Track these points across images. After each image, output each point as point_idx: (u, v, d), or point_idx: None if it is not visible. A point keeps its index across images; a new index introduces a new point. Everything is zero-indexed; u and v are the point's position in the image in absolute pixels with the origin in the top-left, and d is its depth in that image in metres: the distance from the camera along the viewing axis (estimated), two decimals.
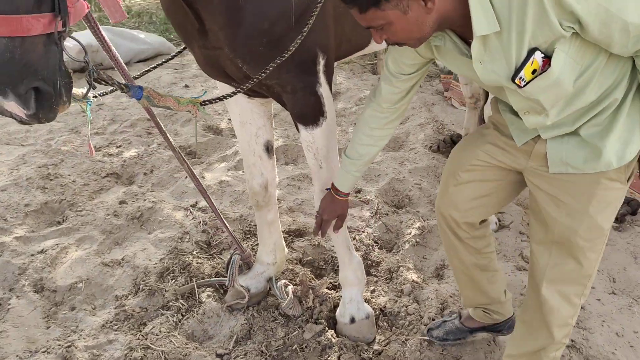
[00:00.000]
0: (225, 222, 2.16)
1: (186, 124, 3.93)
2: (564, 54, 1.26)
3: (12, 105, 1.17)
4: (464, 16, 1.25)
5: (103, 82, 1.48)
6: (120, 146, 3.61)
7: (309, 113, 1.75)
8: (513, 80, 1.30)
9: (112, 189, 3.12)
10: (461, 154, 1.73)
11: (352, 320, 2.06)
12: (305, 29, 1.55)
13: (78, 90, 1.46)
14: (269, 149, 2.09)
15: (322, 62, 1.70)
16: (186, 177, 3.15)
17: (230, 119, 3.97)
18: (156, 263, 2.47)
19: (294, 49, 1.55)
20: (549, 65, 1.25)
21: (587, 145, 1.41)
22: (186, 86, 4.77)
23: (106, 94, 1.70)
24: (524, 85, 1.30)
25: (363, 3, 1.25)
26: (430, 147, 3.58)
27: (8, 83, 1.14)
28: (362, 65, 5.53)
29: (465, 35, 1.35)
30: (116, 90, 1.55)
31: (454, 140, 3.52)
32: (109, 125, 3.94)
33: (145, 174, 3.29)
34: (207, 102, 1.70)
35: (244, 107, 1.99)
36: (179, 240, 2.63)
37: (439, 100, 4.46)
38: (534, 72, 1.29)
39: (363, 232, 2.71)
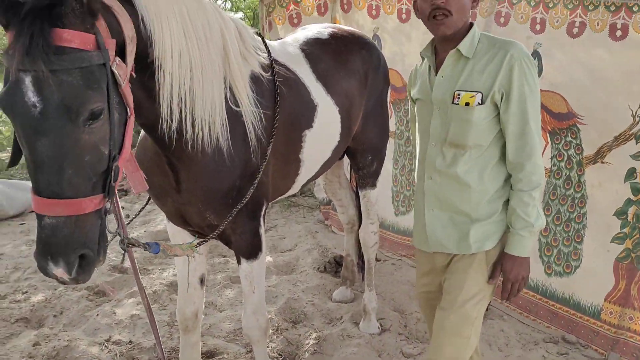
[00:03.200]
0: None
1: None
2: (487, 110, 1.78)
3: (59, 271, 1.37)
4: (458, 37, 1.80)
5: (132, 246, 1.77)
6: (26, 292, 3.74)
7: (251, 249, 2.21)
8: (453, 94, 1.80)
9: (23, 333, 3.24)
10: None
11: None
12: (256, 181, 2.06)
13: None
14: (202, 281, 2.50)
15: (264, 208, 2.19)
16: (97, 315, 3.38)
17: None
18: None
19: (248, 198, 2.03)
20: (474, 107, 1.77)
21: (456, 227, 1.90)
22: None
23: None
24: (456, 103, 1.79)
25: None
26: (318, 268, 4.11)
27: (62, 254, 1.35)
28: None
29: (440, 54, 1.87)
30: (142, 248, 1.83)
31: (337, 261, 4.10)
32: (11, 274, 4.05)
33: (55, 315, 3.45)
34: (198, 244, 2.08)
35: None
36: None
37: (321, 228, 5.09)
38: (467, 104, 1.79)
39: (267, 347, 3.08)
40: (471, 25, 1.87)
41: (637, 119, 3.00)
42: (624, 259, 3.07)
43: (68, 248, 1.37)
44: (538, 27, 3.40)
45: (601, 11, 3.12)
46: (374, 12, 4.43)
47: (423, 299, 2.20)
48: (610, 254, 3.13)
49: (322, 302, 3.59)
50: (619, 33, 3.04)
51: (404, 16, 4.21)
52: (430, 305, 2.14)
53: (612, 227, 3.13)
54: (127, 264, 4.19)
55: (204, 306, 2.58)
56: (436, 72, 1.91)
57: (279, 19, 4.94)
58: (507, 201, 1.89)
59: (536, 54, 3.37)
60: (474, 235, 1.89)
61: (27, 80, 1.29)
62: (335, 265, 4.07)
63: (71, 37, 1.31)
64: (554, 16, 3.33)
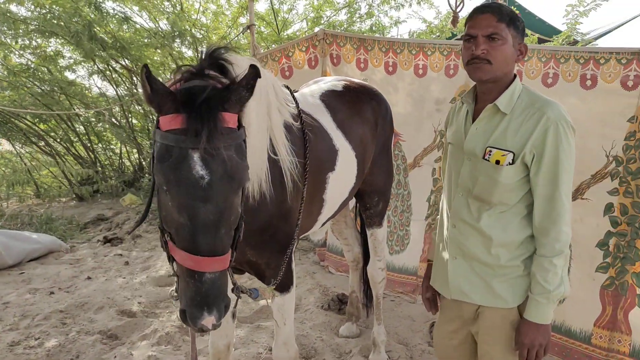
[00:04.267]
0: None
1: (99, 311, 4.25)
2: (516, 171, 1.76)
3: (212, 319, 1.52)
4: (500, 88, 1.81)
5: (243, 293, 1.98)
6: (39, 338, 3.81)
7: (284, 283, 2.38)
8: (485, 149, 1.79)
9: None
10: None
11: None
12: (299, 221, 2.29)
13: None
14: (234, 315, 2.67)
15: (294, 244, 2.39)
16: (115, 357, 3.49)
17: (140, 302, 4.40)
18: None
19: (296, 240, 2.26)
20: (504, 166, 1.76)
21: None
22: (89, 278, 5.09)
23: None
24: (487, 159, 1.79)
25: (504, 16, 1.73)
26: (322, 306, 4.30)
27: (216, 304, 1.53)
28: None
29: (479, 102, 1.88)
30: (247, 294, 2.03)
31: (340, 299, 4.29)
32: (20, 321, 4.11)
33: (72, 359, 3.54)
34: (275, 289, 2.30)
35: None
36: None
37: (318, 269, 5.29)
38: (497, 162, 1.77)
39: None
40: (514, 77, 1.85)
41: (611, 158, 3.35)
42: (609, 286, 3.36)
43: (219, 298, 1.55)
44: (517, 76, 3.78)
45: (572, 63, 3.51)
46: (362, 65, 4.77)
47: (449, 346, 2.14)
48: (596, 282, 3.42)
49: (330, 338, 3.77)
50: (589, 82, 3.42)
51: (390, 69, 4.56)
52: (457, 352, 2.13)
53: (596, 258, 3.43)
54: (135, 308, 4.31)
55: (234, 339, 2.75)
56: (473, 119, 1.92)
57: (272, 72, 5.25)
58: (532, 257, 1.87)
59: None
60: (498, 288, 1.88)
61: (196, 156, 1.48)
62: (338, 303, 4.26)
63: (230, 119, 1.57)
64: (530, 68, 3.70)
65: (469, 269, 1.94)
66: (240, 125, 1.64)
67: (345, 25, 8.67)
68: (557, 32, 8.59)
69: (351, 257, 3.85)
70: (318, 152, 2.52)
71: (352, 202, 3.69)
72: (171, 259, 1.62)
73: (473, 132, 1.89)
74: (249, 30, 5.33)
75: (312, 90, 3.05)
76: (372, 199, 3.30)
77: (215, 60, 1.77)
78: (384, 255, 3.53)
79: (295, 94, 2.68)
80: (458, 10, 4.05)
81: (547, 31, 9.48)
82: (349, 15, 8.75)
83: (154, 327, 3.92)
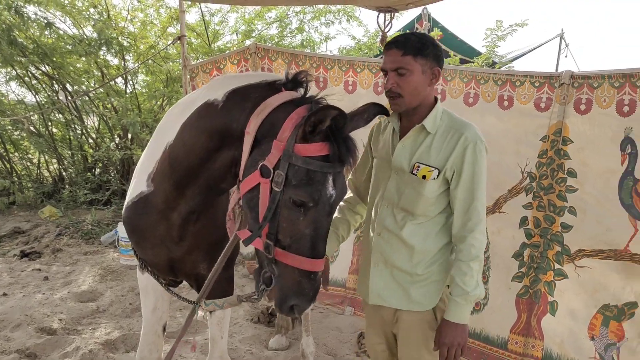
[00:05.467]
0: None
1: (16, 329, 4.03)
2: (439, 185, 1.96)
3: (311, 305, 1.82)
4: (421, 111, 1.98)
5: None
6: None
7: (226, 296, 2.36)
8: (412, 165, 1.96)
9: None
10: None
11: None
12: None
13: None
14: (164, 329, 2.63)
15: (236, 257, 2.41)
16: None
17: (61, 319, 4.22)
18: None
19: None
20: (429, 181, 1.95)
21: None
22: (4, 294, 4.82)
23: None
24: (414, 173, 1.96)
25: (409, 48, 1.89)
26: (252, 319, 4.29)
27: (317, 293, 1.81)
28: None
29: (404, 121, 2.04)
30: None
31: (269, 312, 4.30)
32: None
33: None
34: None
35: (159, 295, 2.56)
36: None
37: (247, 282, 5.28)
38: (424, 177, 1.95)
39: None
40: (435, 100, 2.04)
41: (525, 175, 3.58)
42: (523, 294, 3.58)
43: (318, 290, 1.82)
44: (439, 96, 3.96)
45: (491, 84, 3.73)
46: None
47: (377, 351, 2.30)
48: (512, 291, 3.63)
49: (259, 351, 3.78)
50: (506, 103, 3.65)
51: (321, 84, 4.64)
52: (384, 356, 2.29)
53: (512, 268, 3.64)
54: (55, 325, 4.13)
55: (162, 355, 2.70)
56: (400, 136, 2.07)
57: (202, 84, 5.22)
58: (446, 263, 2.07)
59: None
60: (415, 294, 2.05)
61: (331, 178, 1.74)
62: (267, 316, 4.27)
63: None
64: (453, 87, 3.90)
65: (389, 275, 2.09)
66: None
67: (276, 39, 8.72)
68: (478, 53, 9.05)
69: None
70: None
71: None
72: (273, 262, 1.77)
73: (400, 149, 2.04)
74: (179, 41, 5.29)
75: None
76: None
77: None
78: None
79: None
80: (386, 30, 4.19)
81: (469, 52, 9.97)
82: (280, 29, 8.82)
83: (76, 344, 3.77)
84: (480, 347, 3.75)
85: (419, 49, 1.91)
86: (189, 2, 6.83)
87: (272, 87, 1.90)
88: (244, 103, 1.89)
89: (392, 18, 4.16)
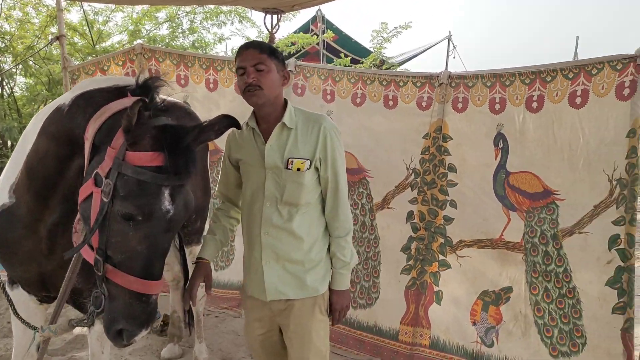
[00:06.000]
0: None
1: None
2: (312, 173, 2.13)
3: (144, 333, 1.68)
4: (276, 110, 2.13)
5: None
6: None
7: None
8: (286, 161, 2.10)
9: None
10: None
11: None
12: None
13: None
14: (39, 348, 2.44)
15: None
16: None
17: None
18: None
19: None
20: (305, 172, 2.10)
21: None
22: None
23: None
24: (289, 168, 2.10)
25: (265, 49, 2.09)
26: None
27: (152, 321, 1.68)
28: None
29: (262, 125, 2.16)
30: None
31: (163, 320, 4.15)
32: None
33: None
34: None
35: (31, 313, 2.35)
36: None
37: None
38: (298, 169, 2.10)
39: None
40: (285, 101, 2.21)
41: (410, 171, 3.72)
42: (411, 286, 3.72)
43: (155, 315, 1.71)
44: (329, 97, 4.03)
45: (376, 85, 3.85)
46: (182, 82, 4.67)
47: (258, 342, 2.36)
48: (401, 283, 3.76)
49: None
50: (391, 103, 3.78)
51: (211, 85, 4.57)
52: (264, 347, 2.37)
53: (400, 261, 3.78)
54: None
55: None
56: (264, 139, 2.18)
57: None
58: (329, 247, 2.26)
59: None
60: (310, 281, 2.18)
61: (167, 192, 1.63)
62: (160, 325, 4.12)
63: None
64: (341, 88, 3.98)
65: (281, 269, 2.18)
66: None
67: (167, 40, 8.47)
68: (370, 53, 9.34)
69: (171, 276, 3.76)
70: None
71: None
72: (103, 281, 1.68)
73: (269, 149, 2.16)
74: (58, 41, 4.98)
75: None
76: (190, 217, 3.27)
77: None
78: None
79: None
80: (274, 31, 4.21)
81: (362, 52, 10.25)
82: (171, 30, 8.58)
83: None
84: (373, 340, 3.85)
85: (273, 51, 2.13)
86: (69, 1, 6.46)
87: (119, 92, 1.82)
88: (86, 108, 1.81)
89: (279, 20, 4.19)
